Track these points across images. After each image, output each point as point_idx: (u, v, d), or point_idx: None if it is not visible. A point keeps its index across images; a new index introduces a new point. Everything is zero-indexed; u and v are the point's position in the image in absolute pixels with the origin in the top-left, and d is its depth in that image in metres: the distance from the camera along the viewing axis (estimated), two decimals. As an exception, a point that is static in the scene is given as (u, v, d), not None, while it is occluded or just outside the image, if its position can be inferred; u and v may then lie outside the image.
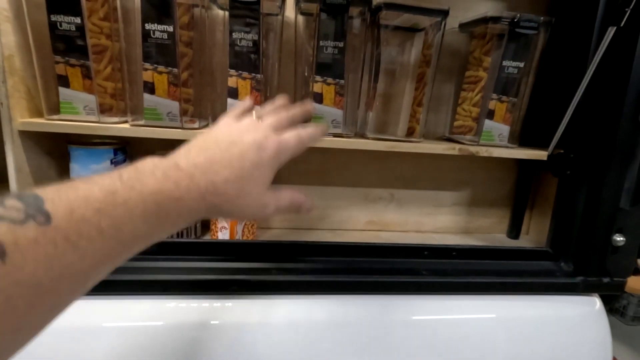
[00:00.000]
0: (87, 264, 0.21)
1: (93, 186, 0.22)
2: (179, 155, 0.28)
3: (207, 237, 0.58)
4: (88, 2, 0.47)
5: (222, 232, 0.56)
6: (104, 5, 0.48)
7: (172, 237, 0.53)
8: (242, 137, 0.31)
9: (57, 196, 0.21)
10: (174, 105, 0.47)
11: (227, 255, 0.49)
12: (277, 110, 0.37)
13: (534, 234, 0.69)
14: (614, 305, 2.14)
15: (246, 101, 0.37)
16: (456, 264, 0.55)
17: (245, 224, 0.56)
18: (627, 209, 0.52)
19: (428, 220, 0.69)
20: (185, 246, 0.49)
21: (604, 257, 0.53)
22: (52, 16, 0.43)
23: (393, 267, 0.52)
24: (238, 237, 0.56)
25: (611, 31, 0.45)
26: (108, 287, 0.40)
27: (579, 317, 0.55)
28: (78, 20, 0.43)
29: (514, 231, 0.68)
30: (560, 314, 0.55)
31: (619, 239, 0.52)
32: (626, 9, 0.43)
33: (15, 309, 0.18)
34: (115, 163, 0.51)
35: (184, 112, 0.49)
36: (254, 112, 0.36)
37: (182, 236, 0.54)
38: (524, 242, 0.68)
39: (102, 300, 0.43)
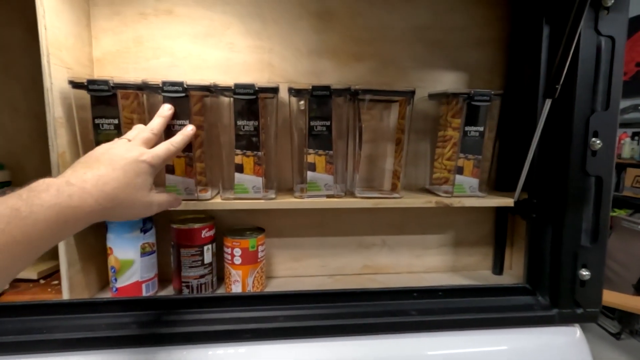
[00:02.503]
0: (5, 263, 0.29)
1: (1, 206, 0.30)
2: (67, 175, 0.37)
3: (222, 290, 0.66)
4: (123, 99, 0.58)
5: (235, 285, 0.63)
6: (134, 101, 0.59)
7: (192, 292, 0.61)
8: (121, 154, 0.41)
9: None
10: (190, 182, 0.57)
11: (240, 306, 0.57)
12: (144, 129, 0.48)
13: (517, 269, 0.75)
14: (633, 327, 2.12)
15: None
16: (443, 303, 0.61)
17: (254, 277, 0.64)
18: (589, 246, 0.59)
19: (418, 262, 0.76)
20: (204, 300, 0.56)
21: (574, 291, 0.60)
22: (96, 119, 0.54)
23: (385, 309, 0.59)
24: (249, 288, 0.64)
25: (548, 103, 0.54)
26: (136, 340, 0.48)
27: (561, 346, 0.61)
28: (116, 120, 0.54)
29: (498, 267, 0.75)
30: (542, 344, 0.60)
31: (585, 273, 0.59)
32: (557, 86, 0.52)
33: None
34: (144, 231, 0.60)
35: (197, 183, 0.59)
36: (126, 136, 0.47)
37: (201, 291, 0.62)
38: (507, 277, 0.75)
39: (130, 353, 0.50)
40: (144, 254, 0.60)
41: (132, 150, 0.42)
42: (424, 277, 0.74)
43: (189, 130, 0.51)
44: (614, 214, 2.27)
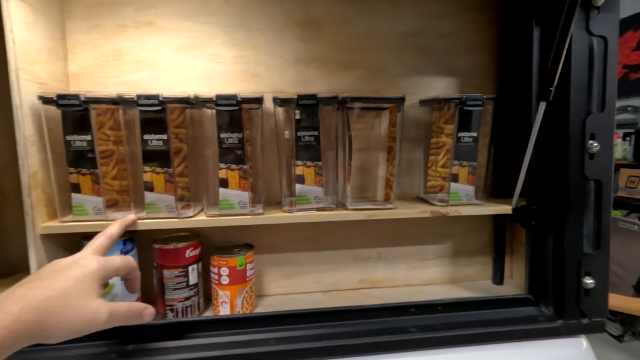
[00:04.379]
0: None
1: None
2: (13, 299, 0.33)
3: (209, 312, 0.62)
4: (99, 116, 0.55)
5: (223, 306, 0.60)
6: (111, 118, 0.56)
7: (177, 316, 0.58)
8: (64, 265, 0.38)
9: None
10: (171, 199, 0.54)
11: (228, 329, 0.53)
12: (99, 235, 0.46)
13: (517, 278, 0.73)
14: (636, 329, 2.09)
15: None
16: (443, 317, 0.58)
17: (243, 297, 0.60)
18: (592, 252, 0.57)
19: (416, 274, 0.73)
20: (189, 325, 0.53)
21: (579, 300, 0.57)
22: (67, 136, 0.51)
23: (383, 327, 0.56)
24: (238, 309, 0.60)
25: (542, 106, 0.52)
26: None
27: (567, 359, 0.58)
28: (89, 137, 0.51)
29: (498, 277, 0.72)
30: (548, 357, 0.57)
31: (589, 281, 0.56)
32: (550, 88, 0.51)
33: None
34: (124, 252, 0.57)
35: (180, 199, 0.56)
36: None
37: (186, 314, 0.59)
38: (508, 286, 0.72)
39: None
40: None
41: (76, 259, 0.40)
42: (422, 290, 0.71)
43: (128, 218, 0.51)
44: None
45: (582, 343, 0.59)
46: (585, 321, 0.57)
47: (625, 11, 2.71)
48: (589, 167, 0.55)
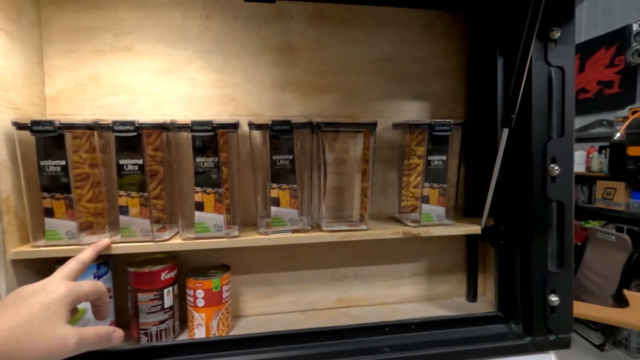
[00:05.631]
0: None
1: None
2: None
3: (185, 335, 0.62)
4: (75, 139, 0.56)
5: (199, 329, 0.60)
6: (87, 141, 0.56)
7: (151, 340, 0.57)
8: (31, 291, 0.37)
9: None
10: (145, 223, 0.54)
11: (202, 353, 0.53)
12: (71, 261, 0.46)
13: (490, 295, 0.75)
14: (616, 338, 2.13)
15: None
16: (416, 337, 0.59)
17: (219, 319, 0.60)
18: (556, 271, 0.59)
19: (392, 293, 0.74)
20: (162, 350, 0.53)
21: (545, 317, 0.59)
22: (41, 162, 0.51)
23: (357, 347, 0.57)
24: (214, 331, 0.60)
25: (506, 132, 0.55)
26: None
27: (536, 375, 0.60)
28: (63, 162, 0.52)
29: (472, 294, 0.74)
30: (518, 374, 0.59)
31: (554, 299, 0.59)
32: (512, 116, 0.53)
33: None
34: (98, 276, 0.57)
35: (156, 221, 0.57)
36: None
37: (160, 338, 0.58)
38: (481, 303, 0.74)
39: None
40: (98, 301, 0.56)
41: (44, 284, 0.39)
42: (398, 308, 0.73)
43: (101, 243, 0.51)
44: (589, 225, 2.33)
45: (550, 358, 0.61)
46: (552, 337, 0.59)
47: (598, 30, 2.84)
48: (551, 189, 0.57)
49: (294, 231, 0.59)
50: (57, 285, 0.39)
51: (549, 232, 0.59)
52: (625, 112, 2.21)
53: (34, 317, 0.35)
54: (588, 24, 2.98)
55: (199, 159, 0.55)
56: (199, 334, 0.60)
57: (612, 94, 2.71)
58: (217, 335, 0.60)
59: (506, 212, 0.62)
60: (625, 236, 1.99)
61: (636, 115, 2.10)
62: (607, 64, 2.74)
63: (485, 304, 0.74)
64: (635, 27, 2.36)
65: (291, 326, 0.66)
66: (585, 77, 2.90)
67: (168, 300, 0.59)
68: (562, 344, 0.60)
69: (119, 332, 0.44)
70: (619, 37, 2.60)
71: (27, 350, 0.34)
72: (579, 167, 2.67)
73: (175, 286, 0.61)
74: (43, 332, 0.35)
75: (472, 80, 0.72)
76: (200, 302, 0.59)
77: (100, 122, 0.53)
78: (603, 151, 2.56)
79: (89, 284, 0.43)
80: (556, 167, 0.57)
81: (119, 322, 0.61)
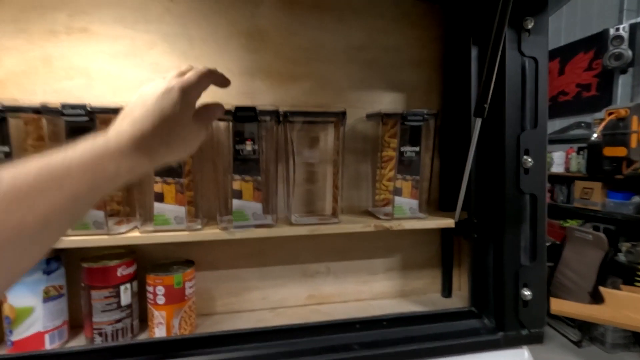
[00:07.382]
0: (36, 216, 0.26)
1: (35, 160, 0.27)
2: (108, 131, 0.34)
3: (145, 335, 0.59)
4: (25, 125, 0.52)
5: (159, 328, 0.56)
6: (37, 128, 0.53)
7: (106, 341, 0.54)
8: (151, 92, 0.37)
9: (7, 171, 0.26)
10: (99, 215, 0.51)
11: (161, 353, 0.50)
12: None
13: (465, 290, 0.73)
14: (593, 334, 2.17)
15: None
16: (387, 333, 0.57)
17: (181, 318, 0.57)
18: (528, 264, 0.58)
19: (365, 289, 0.72)
20: (117, 350, 0.49)
21: (517, 312, 0.58)
22: (-19, 147, 0.47)
23: (326, 344, 0.54)
24: (175, 330, 0.57)
25: (479, 122, 0.53)
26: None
27: (509, 371, 0.59)
28: (6, 148, 0.48)
29: (446, 290, 0.73)
30: (491, 370, 0.58)
31: (527, 293, 0.57)
32: (485, 105, 0.52)
33: None
34: (48, 272, 0.53)
35: (115, 213, 0.53)
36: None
37: (116, 338, 0.55)
38: (456, 299, 0.73)
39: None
40: (47, 299, 0.52)
41: (160, 83, 0.38)
42: (371, 305, 0.71)
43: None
44: (567, 224, 2.37)
45: (523, 353, 0.60)
46: (524, 332, 0.58)
47: (577, 34, 2.90)
48: (524, 181, 0.56)
49: (257, 226, 0.56)
50: (173, 83, 0.38)
51: (522, 225, 0.58)
52: (602, 114, 2.26)
53: (168, 117, 0.36)
54: (567, 28, 3.04)
55: (157, 147, 0.51)
56: (159, 333, 0.56)
57: (590, 96, 2.77)
58: (178, 334, 0.57)
59: (480, 205, 0.61)
60: (602, 235, 2.03)
61: (612, 116, 2.14)
62: (585, 67, 2.80)
63: (460, 300, 0.72)
64: (612, 31, 2.41)
65: (259, 324, 0.63)
66: (565, 80, 2.96)
67: (125, 298, 0.55)
68: (534, 339, 0.59)
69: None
70: (597, 42, 2.66)
71: (176, 139, 0.37)
72: (558, 168, 2.72)
73: (134, 283, 0.57)
74: (180, 124, 0.37)
75: (447, 71, 0.71)
76: (161, 300, 0.56)
77: (49, 106, 0.49)
78: (581, 152, 2.61)
79: (194, 75, 0.39)
80: (529, 159, 0.56)
81: (72, 322, 0.57)
